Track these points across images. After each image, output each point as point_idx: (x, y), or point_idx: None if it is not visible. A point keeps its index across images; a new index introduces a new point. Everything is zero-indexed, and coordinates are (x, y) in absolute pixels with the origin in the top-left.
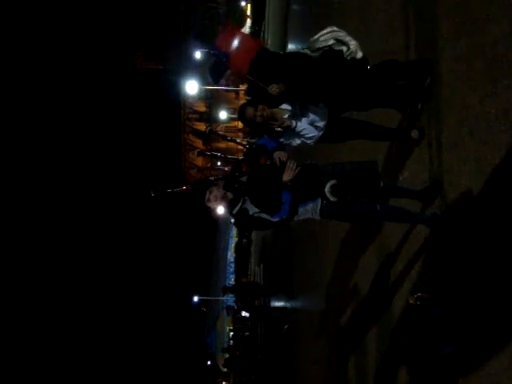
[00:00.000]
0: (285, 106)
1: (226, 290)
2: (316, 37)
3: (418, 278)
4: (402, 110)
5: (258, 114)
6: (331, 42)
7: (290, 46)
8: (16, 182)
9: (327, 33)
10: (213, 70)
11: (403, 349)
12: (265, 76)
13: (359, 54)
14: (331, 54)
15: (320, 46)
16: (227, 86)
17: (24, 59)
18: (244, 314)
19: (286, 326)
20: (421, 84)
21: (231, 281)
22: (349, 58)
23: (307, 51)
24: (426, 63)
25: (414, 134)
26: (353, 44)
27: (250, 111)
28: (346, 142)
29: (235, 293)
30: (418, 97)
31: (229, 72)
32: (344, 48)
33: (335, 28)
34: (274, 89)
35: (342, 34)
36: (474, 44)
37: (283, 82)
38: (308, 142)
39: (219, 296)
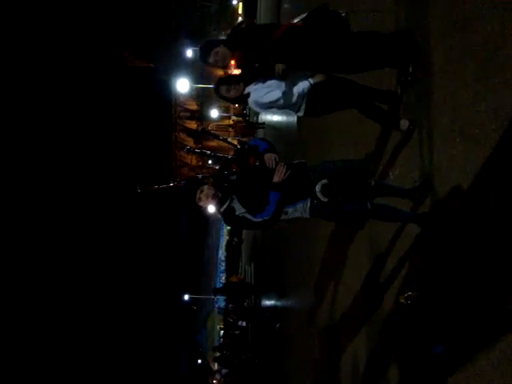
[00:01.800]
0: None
1: (217, 291)
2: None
3: (409, 277)
4: (394, 66)
5: (232, 93)
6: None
7: None
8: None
9: None
10: (204, 47)
11: (393, 348)
12: (253, 47)
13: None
14: (313, 14)
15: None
16: (215, 63)
17: (15, 56)
18: (240, 323)
19: (278, 325)
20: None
21: (222, 279)
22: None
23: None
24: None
25: (404, 123)
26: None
27: (223, 90)
28: (334, 112)
29: (226, 294)
30: (407, 58)
31: (218, 49)
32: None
33: None
34: (278, 69)
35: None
36: (464, 43)
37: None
38: (293, 111)
39: (210, 295)
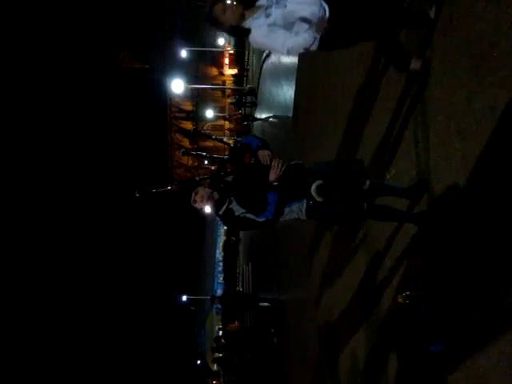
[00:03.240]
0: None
1: (214, 299)
2: None
3: (407, 276)
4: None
5: (228, 15)
6: None
7: None
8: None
9: None
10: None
11: (392, 347)
12: None
13: None
14: None
15: None
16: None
17: (8, 57)
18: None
19: (275, 340)
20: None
21: (220, 280)
22: None
23: None
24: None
25: (415, 63)
26: None
27: (218, 9)
28: (357, 43)
29: (223, 304)
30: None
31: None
32: None
33: None
34: None
35: None
36: (460, 41)
37: None
38: (301, 39)
39: (208, 295)
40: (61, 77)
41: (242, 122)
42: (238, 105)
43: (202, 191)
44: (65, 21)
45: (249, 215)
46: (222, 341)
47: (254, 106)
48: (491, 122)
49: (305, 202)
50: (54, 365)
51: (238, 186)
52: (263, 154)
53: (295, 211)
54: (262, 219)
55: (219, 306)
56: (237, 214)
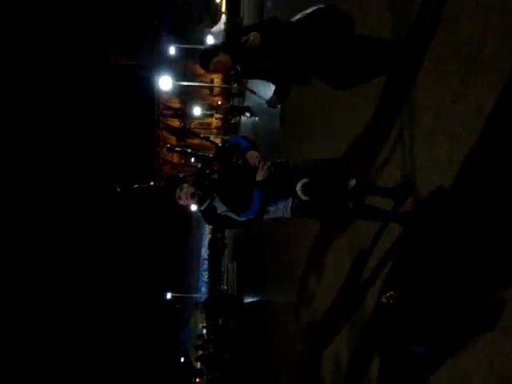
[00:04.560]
0: None
1: (198, 305)
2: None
3: (390, 277)
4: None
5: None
6: (309, 10)
7: None
8: None
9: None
10: (202, 58)
11: (375, 347)
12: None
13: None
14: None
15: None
16: (216, 71)
17: None
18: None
19: (257, 337)
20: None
21: (205, 278)
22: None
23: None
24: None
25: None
26: None
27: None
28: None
29: (207, 309)
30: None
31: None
32: None
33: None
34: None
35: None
36: (447, 43)
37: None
38: None
39: (193, 293)
40: (48, 73)
41: (231, 112)
42: (227, 96)
43: (187, 188)
44: (53, 17)
45: (230, 214)
46: (205, 337)
47: (242, 96)
48: (477, 124)
49: (290, 200)
50: (31, 357)
51: (223, 184)
52: (252, 156)
53: (280, 209)
54: (242, 219)
55: (203, 311)
56: (219, 211)
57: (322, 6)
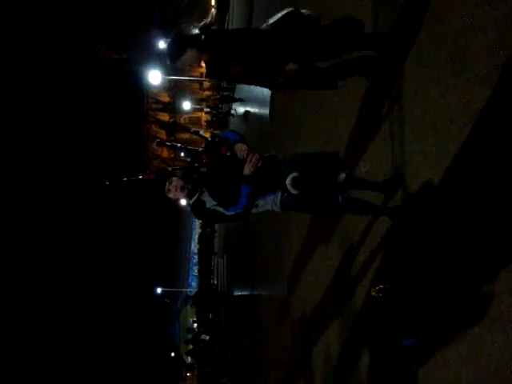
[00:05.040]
0: None
1: (188, 299)
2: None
3: (380, 270)
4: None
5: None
6: (284, 11)
7: None
8: None
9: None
10: (171, 46)
11: (365, 340)
12: (219, 53)
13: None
14: (283, 19)
15: (274, 20)
16: (183, 66)
17: None
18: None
19: (248, 333)
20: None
21: (195, 272)
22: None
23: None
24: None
25: None
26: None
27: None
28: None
29: (196, 304)
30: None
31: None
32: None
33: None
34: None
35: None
36: (436, 36)
37: (237, 58)
38: None
39: (183, 288)
40: (37, 66)
41: (221, 102)
42: (217, 90)
43: (176, 181)
44: (42, 10)
45: (218, 208)
46: (196, 330)
47: (232, 91)
48: (466, 117)
49: (279, 194)
50: (24, 355)
51: (211, 177)
52: (240, 148)
53: (269, 203)
54: (230, 213)
55: (193, 306)
56: (207, 205)
57: (285, 13)
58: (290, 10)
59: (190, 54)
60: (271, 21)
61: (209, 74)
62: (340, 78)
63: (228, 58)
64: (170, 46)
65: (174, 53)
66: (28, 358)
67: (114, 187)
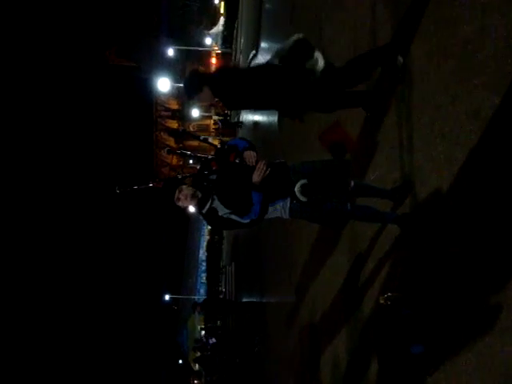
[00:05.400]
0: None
1: (196, 306)
2: (283, 45)
3: (389, 278)
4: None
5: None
6: (294, 39)
7: (263, 45)
8: None
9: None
10: (189, 83)
11: (373, 348)
12: (230, 91)
13: (321, 64)
14: (294, 63)
15: (285, 49)
16: (199, 101)
17: None
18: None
19: (256, 340)
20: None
21: (203, 279)
22: (311, 68)
23: (275, 60)
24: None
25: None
26: (316, 53)
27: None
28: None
29: (204, 311)
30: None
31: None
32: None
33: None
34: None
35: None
36: (445, 43)
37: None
38: None
39: (191, 295)
40: (47, 74)
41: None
42: None
43: (186, 189)
44: (52, 17)
45: (233, 216)
46: (204, 339)
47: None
48: (475, 125)
49: (288, 200)
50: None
51: (222, 185)
52: (249, 155)
53: (279, 210)
54: (246, 221)
55: (201, 313)
56: (220, 213)
57: (293, 44)
58: (299, 37)
59: (206, 92)
60: (281, 51)
61: (225, 104)
62: (341, 106)
63: (240, 94)
64: (187, 82)
65: (192, 90)
66: (38, 365)
67: (124, 195)
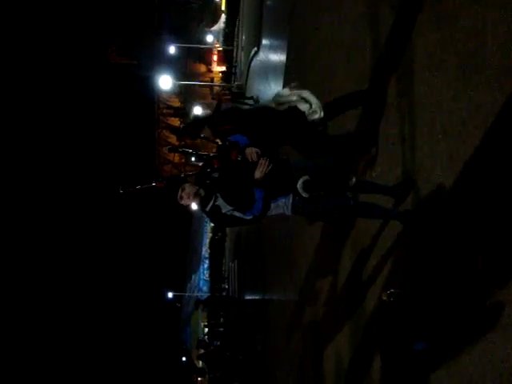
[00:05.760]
0: None
1: (199, 303)
2: (282, 91)
3: (391, 274)
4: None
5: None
6: (295, 97)
7: (265, 42)
8: None
9: (293, 88)
10: (192, 128)
11: (376, 345)
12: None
13: (318, 115)
14: (295, 112)
15: (285, 100)
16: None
17: None
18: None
19: (258, 337)
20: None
21: (206, 277)
22: (309, 118)
23: (273, 105)
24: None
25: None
26: (315, 103)
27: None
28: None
29: (208, 308)
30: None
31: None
32: (307, 106)
33: (302, 90)
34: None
35: (306, 93)
36: (446, 40)
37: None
38: None
39: (194, 292)
40: (47, 72)
41: (233, 101)
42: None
43: (189, 188)
44: (53, 15)
45: (236, 213)
46: (206, 340)
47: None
48: (477, 121)
49: (291, 197)
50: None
51: (224, 183)
52: (251, 152)
53: (281, 206)
54: (249, 217)
55: (205, 310)
56: (224, 211)
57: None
58: (298, 90)
59: (206, 131)
60: (282, 99)
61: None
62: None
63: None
64: (190, 126)
65: (194, 132)
66: (38, 362)
67: (127, 195)
